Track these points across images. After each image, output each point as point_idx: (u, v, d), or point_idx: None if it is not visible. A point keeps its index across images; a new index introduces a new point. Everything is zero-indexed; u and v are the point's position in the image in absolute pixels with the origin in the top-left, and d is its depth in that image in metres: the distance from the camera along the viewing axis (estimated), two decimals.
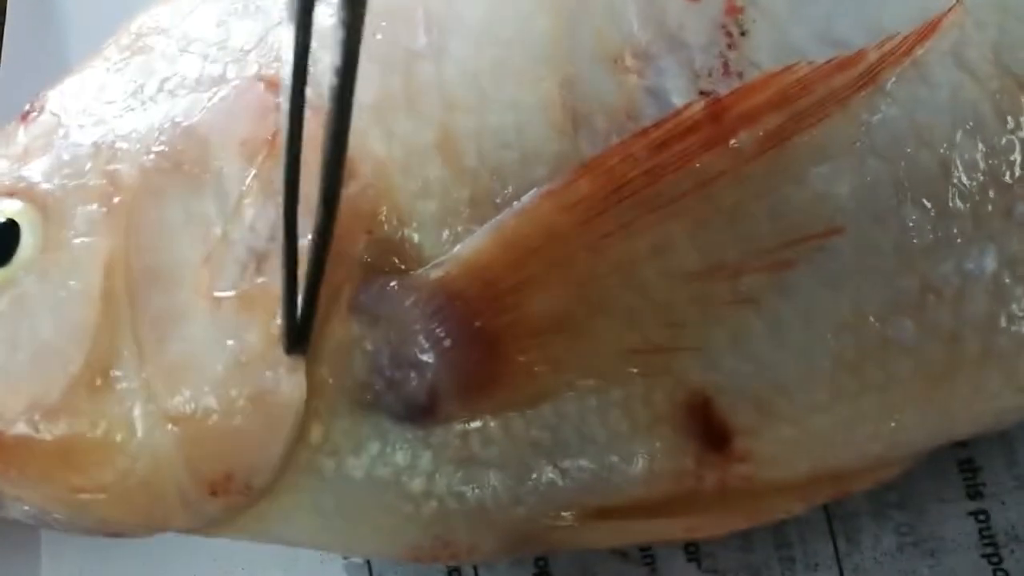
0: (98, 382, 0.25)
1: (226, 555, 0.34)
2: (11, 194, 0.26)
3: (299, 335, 0.24)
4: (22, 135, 0.28)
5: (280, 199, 0.22)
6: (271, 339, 0.24)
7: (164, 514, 0.26)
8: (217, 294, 0.25)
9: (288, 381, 0.24)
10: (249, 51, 0.27)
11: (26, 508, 0.26)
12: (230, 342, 0.24)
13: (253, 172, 0.25)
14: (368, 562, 0.34)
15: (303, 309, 0.24)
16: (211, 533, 0.27)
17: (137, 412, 0.25)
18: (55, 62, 0.40)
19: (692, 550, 0.32)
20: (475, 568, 0.33)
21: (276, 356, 0.24)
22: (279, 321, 0.24)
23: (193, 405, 0.24)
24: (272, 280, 0.24)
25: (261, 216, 0.25)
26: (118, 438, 0.25)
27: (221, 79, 0.27)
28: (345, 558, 0.34)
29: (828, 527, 0.32)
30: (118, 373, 0.25)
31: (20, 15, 0.41)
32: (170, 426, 0.24)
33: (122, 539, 0.29)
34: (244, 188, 0.25)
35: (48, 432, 0.25)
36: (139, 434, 0.25)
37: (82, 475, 0.25)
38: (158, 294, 0.25)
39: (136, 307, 0.25)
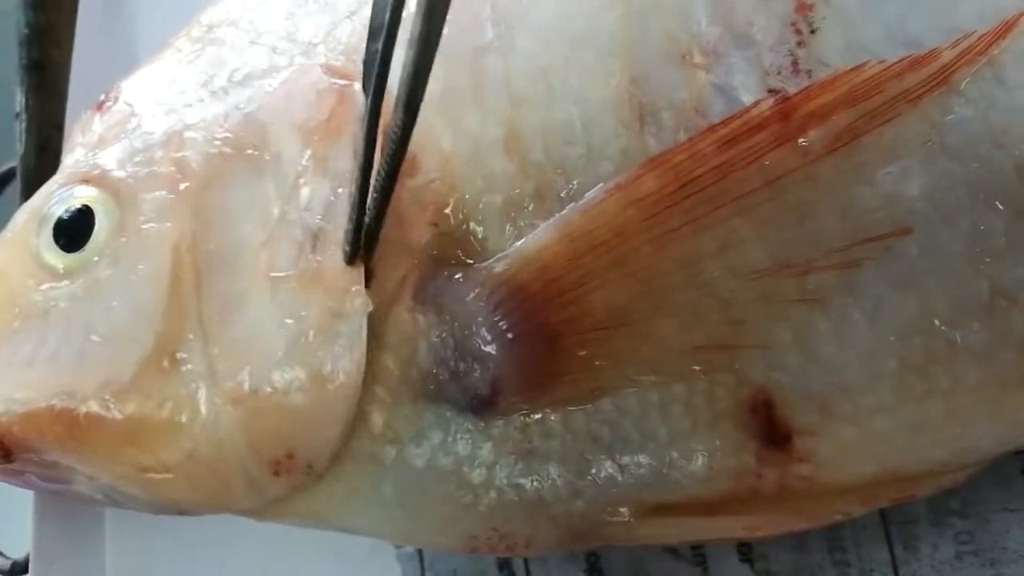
0: (166, 364, 0.25)
1: (280, 539, 0.35)
2: (86, 181, 0.27)
3: (367, 243, 0.25)
4: (98, 124, 0.29)
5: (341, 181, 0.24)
6: (329, 317, 0.25)
7: (229, 494, 0.26)
8: (275, 275, 0.25)
9: (346, 360, 0.25)
10: (317, 44, 0.28)
11: (99, 486, 0.27)
12: (289, 321, 0.25)
13: (309, 153, 0.26)
14: (419, 551, 0.34)
15: (373, 217, 0.24)
16: (270, 518, 0.28)
17: (202, 393, 0.25)
18: (125, 54, 0.41)
19: (745, 551, 0.32)
20: (526, 562, 0.33)
21: (334, 334, 0.25)
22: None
23: (254, 385, 0.25)
24: (328, 257, 0.25)
25: (316, 195, 0.25)
26: (183, 419, 0.25)
27: (284, 68, 0.27)
28: (397, 547, 0.34)
29: (884, 532, 0.31)
30: (184, 355, 0.25)
31: (91, 9, 0.42)
32: (232, 407, 0.25)
33: (185, 518, 0.30)
34: (300, 168, 0.26)
35: (118, 412, 0.25)
36: (203, 415, 0.25)
37: (149, 454, 0.26)
38: (222, 277, 0.25)
39: (201, 290, 0.25)
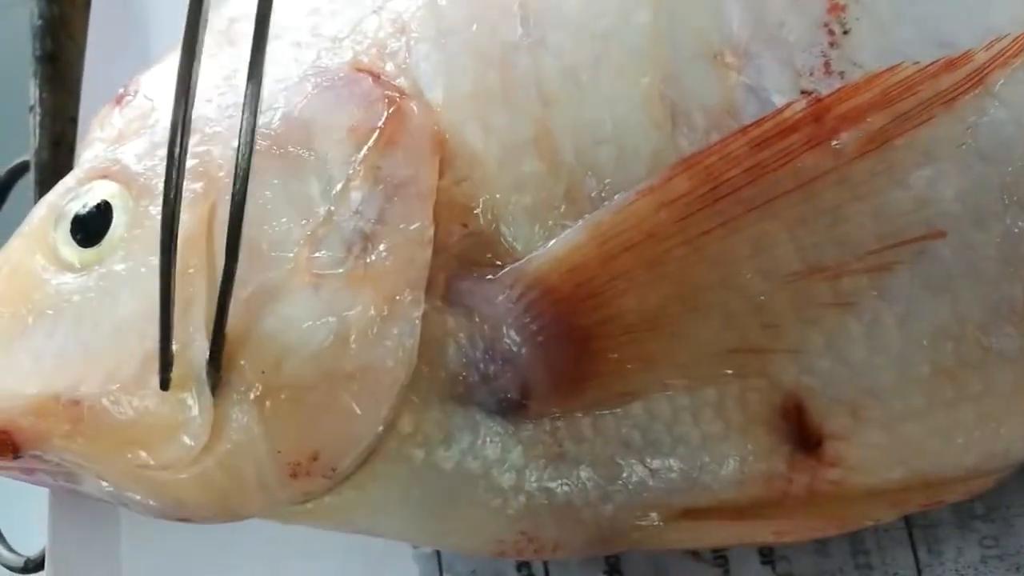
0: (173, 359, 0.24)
1: (296, 539, 0.34)
2: (104, 176, 0.27)
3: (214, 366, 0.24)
4: (117, 117, 0.28)
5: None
6: (379, 317, 0.24)
7: (239, 496, 0.25)
8: (319, 272, 0.24)
9: (393, 361, 0.24)
10: (343, 39, 0.27)
11: (105, 486, 0.26)
12: (332, 319, 0.24)
13: (360, 157, 0.25)
14: (437, 551, 0.34)
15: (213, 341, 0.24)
16: (297, 521, 0.27)
17: (216, 390, 0.24)
18: (138, 46, 0.40)
19: (766, 553, 0.32)
20: (545, 564, 0.33)
21: (383, 334, 0.24)
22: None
23: (287, 381, 0.24)
24: (381, 259, 0.24)
25: (369, 199, 0.25)
26: (192, 415, 0.24)
27: (321, 68, 0.27)
28: (414, 546, 0.34)
29: (908, 536, 0.31)
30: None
31: (103, 1, 0.41)
32: (254, 403, 0.24)
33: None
34: (351, 172, 0.25)
35: (120, 406, 0.25)
36: (217, 412, 0.24)
37: (149, 451, 0.25)
38: (250, 270, 0.24)
39: (217, 284, 0.24)
